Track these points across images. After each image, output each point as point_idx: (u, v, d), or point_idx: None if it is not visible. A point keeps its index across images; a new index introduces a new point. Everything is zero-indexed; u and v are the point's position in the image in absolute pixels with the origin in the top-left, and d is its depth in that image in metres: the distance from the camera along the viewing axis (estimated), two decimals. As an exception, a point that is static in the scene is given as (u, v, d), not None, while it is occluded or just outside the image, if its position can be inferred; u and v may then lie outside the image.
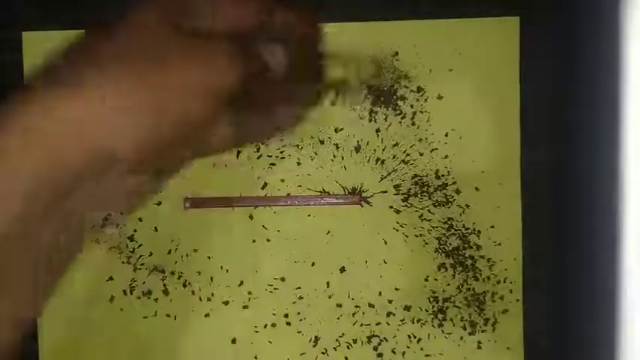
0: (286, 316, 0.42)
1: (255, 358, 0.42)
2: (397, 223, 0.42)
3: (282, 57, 0.31)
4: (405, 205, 0.42)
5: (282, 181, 0.42)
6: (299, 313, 0.42)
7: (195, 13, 0.28)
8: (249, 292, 0.42)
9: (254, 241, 0.42)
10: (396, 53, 0.41)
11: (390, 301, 0.42)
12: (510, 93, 0.41)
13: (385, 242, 0.42)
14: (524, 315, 0.42)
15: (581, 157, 0.41)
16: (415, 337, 0.42)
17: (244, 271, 0.42)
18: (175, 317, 0.42)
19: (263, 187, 0.42)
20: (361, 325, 0.42)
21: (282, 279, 0.42)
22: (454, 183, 0.42)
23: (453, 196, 0.42)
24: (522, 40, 0.41)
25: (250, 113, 0.30)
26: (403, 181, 0.42)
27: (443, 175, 0.42)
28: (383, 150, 0.42)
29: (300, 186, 0.42)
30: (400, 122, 0.42)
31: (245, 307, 0.42)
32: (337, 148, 0.42)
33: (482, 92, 0.41)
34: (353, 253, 0.42)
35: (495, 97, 0.41)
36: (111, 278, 0.42)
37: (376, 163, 0.42)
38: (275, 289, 0.42)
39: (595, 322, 0.39)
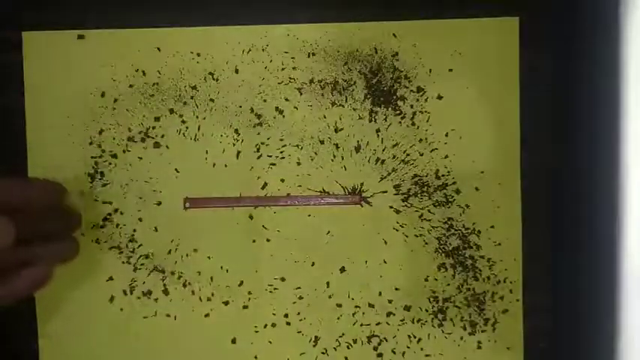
0: (286, 316, 0.42)
1: (255, 358, 0.42)
2: (397, 223, 0.42)
3: (6, 230, 0.33)
4: (405, 205, 0.42)
5: (282, 181, 0.42)
6: (299, 313, 0.42)
7: None
8: (249, 292, 0.42)
9: (254, 241, 0.42)
10: (396, 53, 0.41)
11: (390, 301, 0.42)
12: (510, 93, 0.41)
13: (385, 242, 0.42)
14: (524, 315, 0.42)
15: (581, 157, 0.41)
16: (415, 337, 0.42)
17: (244, 271, 0.42)
18: (175, 317, 0.42)
19: (263, 187, 0.42)
20: (361, 325, 0.42)
21: (282, 279, 0.42)
22: (454, 183, 0.42)
23: (453, 196, 0.42)
24: (522, 40, 0.41)
25: None
26: (403, 181, 0.42)
27: (443, 175, 0.42)
28: (383, 150, 0.42)
29: (300, 186, 0.42)
30: (400, 122, 0.42)
31: (245, 307, 0.42)
32: (337, 148, 0.42)
33: (482, 92, 0.41)
34: (353, 253, 0.42)
35: (495, 97, 0.41)
36: (111, 278, 0.42)
37: (376, 163, 0.42)
38: (275, 289, 0.42)
39: (595, 322, 0.39)
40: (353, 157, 0.42)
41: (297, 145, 0.42)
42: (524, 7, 0.41)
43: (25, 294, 0.35)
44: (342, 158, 0.42)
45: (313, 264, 0.42)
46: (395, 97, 0.42)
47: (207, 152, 0.42)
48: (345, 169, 0.42)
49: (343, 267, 0.42)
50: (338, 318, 0.42)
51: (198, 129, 0.42)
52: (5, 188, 0.35)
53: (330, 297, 0.42)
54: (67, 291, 0.42)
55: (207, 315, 0.42)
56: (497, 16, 0.41)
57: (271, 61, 0.41)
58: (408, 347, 0.42)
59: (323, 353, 0.42)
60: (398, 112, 0.42)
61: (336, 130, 0.42)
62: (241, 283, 0.42)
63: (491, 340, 0.42)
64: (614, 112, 0.36)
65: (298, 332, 0.42)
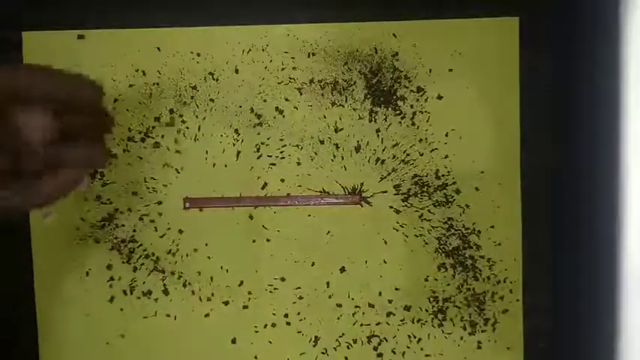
0: (286, 316, 0.42)
1: (255, 358, 0.42)
2: (397, 223, 0.42)
3: (40, 124, 0.31)
4: (405, 205, 0.42)
5: (282, 181, 0.42)
6: (299, 313, 0.42)
7: None
8: (249, 292, 0.42)
9: (254, 241, 0.42)
10: (396, 53, 0.41)
11: (390, 301, 0.42)
12: (510, 93, 0.41)
13: (385, 242, 0.42)
14: (524, 315, 0.42)
15: (581, 157, 0.41)
16: (415, 337, 0.42)
17: (244, 271, 0.42)
18: (175, 317, 0.42)
19: (263, 187, 0.42)
20: (361, 325, 0.42)
21: (282, 279, 0.42)
22: (454, 183, 0.42)
23: (453, 196, 0.42)
24: (522, 40, 0.41)
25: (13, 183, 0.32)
26: (403, 181, 0.42)
27: (443, 175, 0.42)
28: (383, 150, 0.42)
29: (300, 186, 0.42)
30: (400, 122, 0.42)
31: (245, 307, 0.42)
32: (337, 148, 0.42)
33: (482, 92, 0.41)
34: (353, 253, 0.42)
35: (495, 97, 0.41)
36: (111, 278, 0.42)
37: (376, 163, 0.42)
38: (275, 289, 0.42)
39: (595, 322, 0.39)
40: (353, 157, 0.42)
41: (297, 145, 0.42)
42: (524, 7, 0.41)
43: (55, 197, 0.33)
44: (342, 158, 0.42)
45: (313, 264, 0.42)
46: (395, 97, 0.42)
47: (207, 152, 0.42)
48: (345, 169, 0.42)
49: (343, 267, 0.42)
50: (338, 318, 0.42)
51: (199, 129, 0.42)
52: (50, 78, 0.32)
53: (330, 297, 0.42)
54: (67, 291, 0.42)
55: (207, 315, 0.42)
56: (497, 16, 0.41)
57: (271, 61, 0.41)
58: (408, 347, 0.42)
59: (323, 353, 0.42)
60: (398, 112, 0.42)
61: (336, 130, 0.42)
62: (241, 283, 0.42)
63: (491, 340, 0.42)
64: (614, 112, 0.36)
65: (298, 332, 0.42)
